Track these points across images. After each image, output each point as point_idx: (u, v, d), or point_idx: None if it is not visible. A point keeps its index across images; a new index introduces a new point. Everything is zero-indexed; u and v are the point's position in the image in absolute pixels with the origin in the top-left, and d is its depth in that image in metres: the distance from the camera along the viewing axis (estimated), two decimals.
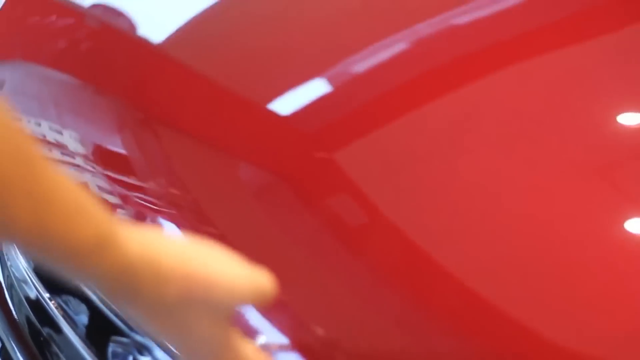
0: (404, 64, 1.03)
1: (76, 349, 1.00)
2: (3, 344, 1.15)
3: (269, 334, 0.83)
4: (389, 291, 0.84)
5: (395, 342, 0.81)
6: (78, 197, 0.58)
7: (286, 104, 1.02)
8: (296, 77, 1.04)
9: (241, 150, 1.00)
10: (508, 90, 0.96)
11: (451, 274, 0.82)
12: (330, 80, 1.04)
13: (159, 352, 0.90)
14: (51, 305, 1.06)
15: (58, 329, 1.05)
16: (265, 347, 0.81)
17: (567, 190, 0.86)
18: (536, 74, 0.97)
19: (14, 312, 1.16)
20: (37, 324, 1.11)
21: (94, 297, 0.99)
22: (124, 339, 0.94)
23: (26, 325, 1.14)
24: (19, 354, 1.12)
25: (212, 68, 1.08)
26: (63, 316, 1.04)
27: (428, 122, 0.95)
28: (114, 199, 0.99)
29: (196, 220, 0.94)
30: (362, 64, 1.04)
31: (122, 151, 1.05)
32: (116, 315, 0.96)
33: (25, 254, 1.11)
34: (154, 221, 0.97)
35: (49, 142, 1.07)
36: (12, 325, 1.15)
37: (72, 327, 1.02)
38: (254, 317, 0.82)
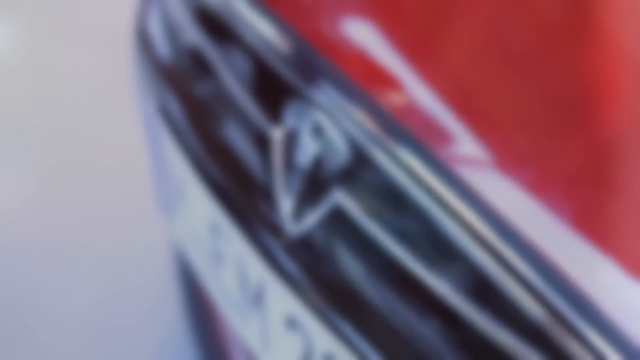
0: None
1: (240, 109, 0.85)
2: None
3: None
4: None
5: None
6: None
7: None
8: None
9: None
10: None
11: None
12: None
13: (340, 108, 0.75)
14: (213, 55, 0.90)
15: (220, 83, 0.90)
16: None
17: None
18: None
19: (168, 56, 1.00)
20: (194, 73, 0.96)
21: (261, 46, 0.83)
22: (302, 98, 0.79)
23: (182, 75, 0.99)
24: (176, 107, 0.97)
25: None
26: (226, 68, 0.89)
27: None
28: None
29: None
30: None
31: None
32: (291, 66, 0.80)
33: None
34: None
35: None
36: (168, 71, 1.00)
37: (236, 81, 0.87)
38: None
